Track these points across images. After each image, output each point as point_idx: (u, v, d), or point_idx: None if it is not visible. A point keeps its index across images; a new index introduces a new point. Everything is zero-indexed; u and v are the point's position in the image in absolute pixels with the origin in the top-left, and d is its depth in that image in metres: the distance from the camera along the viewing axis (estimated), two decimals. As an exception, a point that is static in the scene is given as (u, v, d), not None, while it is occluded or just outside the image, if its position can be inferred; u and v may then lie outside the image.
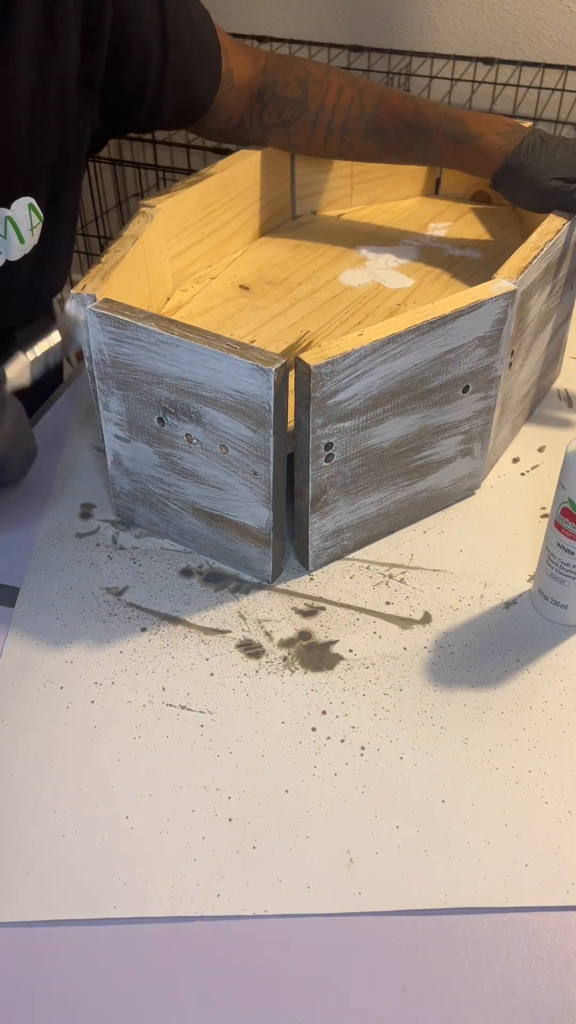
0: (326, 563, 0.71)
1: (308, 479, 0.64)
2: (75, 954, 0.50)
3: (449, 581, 0.70)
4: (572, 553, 0.61)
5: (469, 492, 0.78)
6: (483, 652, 0.65)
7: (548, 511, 0.76)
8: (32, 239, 0.79)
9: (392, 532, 0.74)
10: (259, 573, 0.69)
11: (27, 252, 0.79)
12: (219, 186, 0.86)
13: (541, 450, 0.83)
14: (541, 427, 0.86)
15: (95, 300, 0.63)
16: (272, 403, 0.58)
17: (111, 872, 0.53)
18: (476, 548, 0.73)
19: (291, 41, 1.72)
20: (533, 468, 0.81)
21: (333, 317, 0.82)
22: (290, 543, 0.72)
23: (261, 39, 1.70)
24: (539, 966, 0.49)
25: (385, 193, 1.02)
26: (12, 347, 0.83)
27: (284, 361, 0.58)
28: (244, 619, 0.67)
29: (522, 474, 0.80)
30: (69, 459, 0.82)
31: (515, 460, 0.82)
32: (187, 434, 0.64)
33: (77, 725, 0.60)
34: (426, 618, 0.67)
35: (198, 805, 0.56)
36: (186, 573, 0.71)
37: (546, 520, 0.75)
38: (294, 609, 0.68)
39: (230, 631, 0.66)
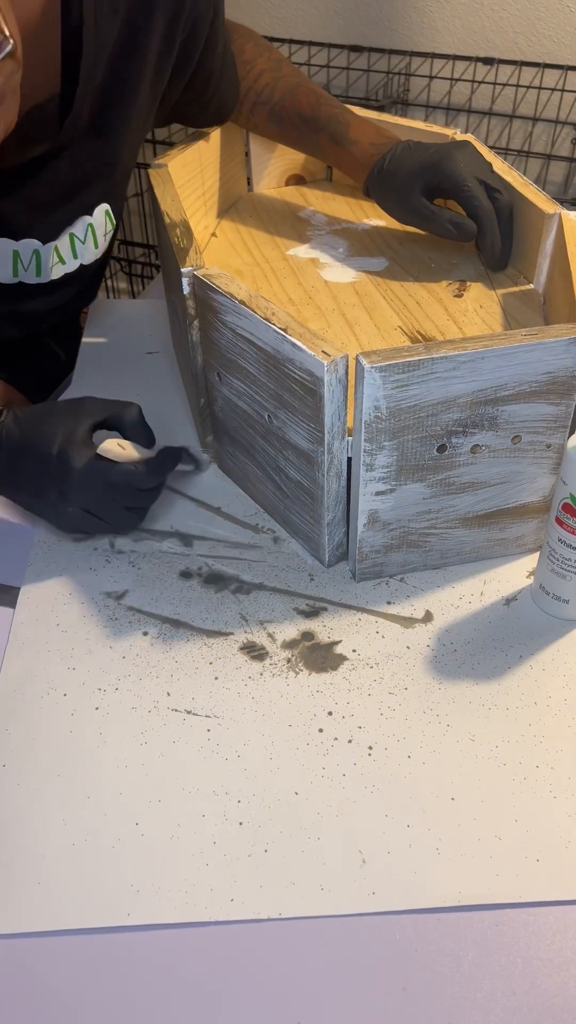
0: None
1: None
2: (89, 963, 0.49)
3: (448, 578, 0.70)
4: (573, 548, 0.62)
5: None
6: (486, 649, 0.65)
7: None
8: (104, 244, 0.84)
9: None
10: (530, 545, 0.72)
11: (98, 256, 0.83)
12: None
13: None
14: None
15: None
16: None
17: (123, 880, 0.52)
18: (474, 545, 0.73)
19: (291, 41, 1.71)
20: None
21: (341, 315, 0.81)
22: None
23: (262, 39, 1.70)
24: (539, 966, 0.49)
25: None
26: (44, 351, 0.89)
27: None
28: (246, 620, 0.67)
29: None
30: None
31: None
32: (474, 445, 0.63)
33: (82, 732, 0.60)
34: (427, 616, 0.67)
35: (208, 810, 0.55)
36: (186, 575, 0.70)
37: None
38: (295, 609, 0.68)
39: (232, 633, 0.66)
